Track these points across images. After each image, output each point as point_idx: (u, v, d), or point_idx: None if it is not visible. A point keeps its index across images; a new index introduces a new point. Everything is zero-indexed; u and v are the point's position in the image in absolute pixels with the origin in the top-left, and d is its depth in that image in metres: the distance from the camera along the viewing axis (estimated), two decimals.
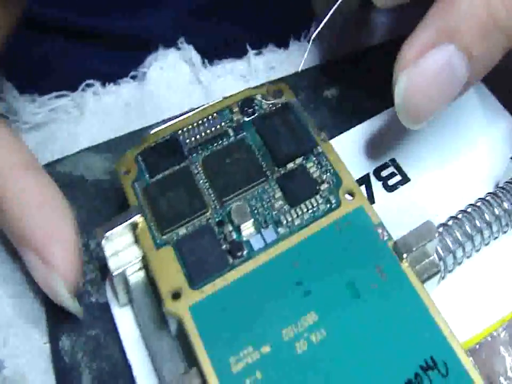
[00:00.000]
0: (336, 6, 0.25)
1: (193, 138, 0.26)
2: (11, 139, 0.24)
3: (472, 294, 0.27)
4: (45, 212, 0.22)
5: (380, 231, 0.24)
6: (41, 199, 0.22)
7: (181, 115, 0.29)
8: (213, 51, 0.36)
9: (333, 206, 0.25)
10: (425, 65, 0.22)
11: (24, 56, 0.35)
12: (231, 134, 0.26)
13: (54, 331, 0.26)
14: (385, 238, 0.24)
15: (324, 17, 0.25)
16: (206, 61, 0.35)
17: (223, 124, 0.26)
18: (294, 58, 0.35)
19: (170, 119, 0.30)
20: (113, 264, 0.24)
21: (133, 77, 0.34)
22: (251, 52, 0.35)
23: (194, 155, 0.26)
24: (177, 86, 0.34)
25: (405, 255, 0.24)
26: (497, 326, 0.26)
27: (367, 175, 0.30)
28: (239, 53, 0.36)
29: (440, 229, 0.26)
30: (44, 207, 0.22)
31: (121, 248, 0.24)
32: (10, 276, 0.27)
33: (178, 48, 0.35)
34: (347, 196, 0.25)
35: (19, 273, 0.27)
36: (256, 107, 0.27)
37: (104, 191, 0.29)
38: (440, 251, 0.26)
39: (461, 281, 0.27)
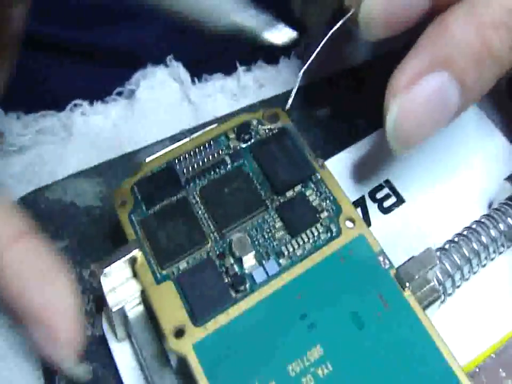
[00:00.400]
0: (326, 38, 0.24)
1: (190, 168, 0.25)
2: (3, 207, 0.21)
3: (470, 316, 0.27)
4: (45, 284, 0.20)
5: (381, 259, 0.24)
6: (40, 269, 0.20)
7: (173, 138, 0.29)
8: (202, 66, 0.35)
9: (333, 235, 0.24)
10: (417, 93, 0.21)
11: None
12: (228, 161, 0.26)
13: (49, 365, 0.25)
14: (387, 266, 0.24)
15: (314, 49, 0.25)
16: (195, 78, 0.34)
17: (219, 151, 0.25)
18: (284, 76, 0.34)
19: (161, 142, 0.30)
20: (112, 300, 0.23)
21: (119, 93, 0.33)
22: (240, 69, 0.34)
23: (191, 185, 0.25)
24: (167, 105, 0.33)
25: (407, 284, 0.23)
26: (496, 348, 0.26)
27: (362, 198, 0.30)
28: (228, 68, 0.35)
29: (438, 253, 0.26)
30: (44, 279, 0.20)
31: (119, 283, 0.23)
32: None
33: (167, 65, 0.34)
34: (347, 223, 0.25)
35: None
36: (253, 133, 0.27)
37: (96, 218, 0.28)
38: (440, 276, 0.26)
39: (459, 304, 0.27)
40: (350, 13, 0.23)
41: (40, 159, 0.31)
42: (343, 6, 0.23)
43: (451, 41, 0.21)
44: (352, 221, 0.25)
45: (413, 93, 0.21)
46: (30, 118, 0.31)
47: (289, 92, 0.33)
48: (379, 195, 0.30)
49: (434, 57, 0.21)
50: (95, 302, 0.26)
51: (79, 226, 0.28)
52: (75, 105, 0.32)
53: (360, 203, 0.29)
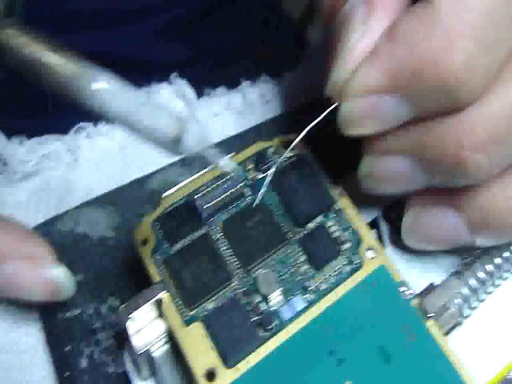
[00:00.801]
0: (309, 127, 0.24)
1: (209, 201, 0.25)
2: None
3: (484, 337, 0.27)
4: None
5: (402, 289, 0.24)
6: None
7: (183, 161, 0.28)
8: (203, 79, 0.34)
9: (356, 267, 0.24)
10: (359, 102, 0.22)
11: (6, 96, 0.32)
12: (248, 194, 0.25)
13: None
14: (409, 296, 0.24)
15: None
16: (201, 94, 0.33)
17: (238, 184, 0.25)
18: (289, 90, 0.34)
19: (172, 165, 0.29)
20: (138, 343, 0.23)
21: None
22: (245, 83, 0.33)
23: (212, 219, 0.25)
24: None
25: (430, 314, 0.24)
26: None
27: (376, 218, 0.29)
28: (231, 81, 0.34)
29: (456, 280, 0.26)
30: None
31: (145, 325, 0.23)
32: None
33: (170, 83, 0.33)
34: (368, 253, 0.25)
35: None
36: (270, 163, 0.26)
37: (111, 249, 0.27)
38: (459, 301, 0.26)
39: (473, 326, 0.27)
40: (333, 106, 0.22)
41: (46, 185, 0.30)
42: (324, 95, 0.23)
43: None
44: (373, 250, 0.25)
45: (359, 103, 0.21)
46: (34, 142, 0.30)
47: (296, 109, 0.33)
48: (392, 215, 0.30)
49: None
50: (115, 338, 0.26)
51: (93, 258, 0.27)
52: (80, 128, 0.31)
53: (374, 224, 0.29)
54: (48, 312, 0.26)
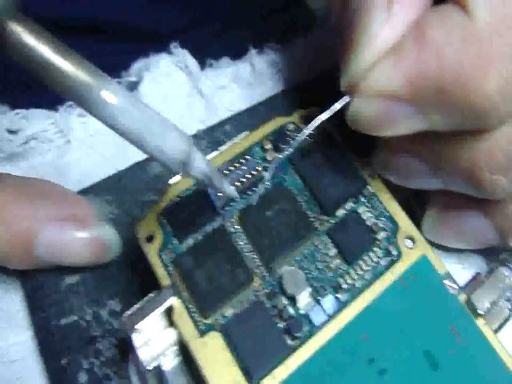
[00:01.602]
0: (319, 122, 0.20)
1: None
2: None
3: None
4: None
5: (447, 283, 0.21)
6: None
7: None
8: (204, 48, 0.30)
9: (394, 258, 0.21)
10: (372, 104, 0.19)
11: None
12: (267, 178, 0.21)
13: None
14: (455, 291, 0.21)
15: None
16: (204, 64, 0.29)
17: (256, 167, 0.21)
18: (301, 56, 0.30)
19: None
20: (145, 357, 0.19)
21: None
22: (253, 52, 0.29)
23: (227, 209, 0.21)
24: (175, 100, 0.28)
25: (481, 312, 0.20)
26: None
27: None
28: (234, 50, 0.30)
29: (505, 272, 0.22)
30: None
31: (153, 336, 0.19)
32: None
33: (170, 53, 0.28)
34: (406, 242, 0.21)
35: None
36: (291, 141, 0.22)
37: None
38: (507, 294, 0.22)
39: None
40: (345, 101, 0.19)
41: (34, 171, 0.26)
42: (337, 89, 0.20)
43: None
44: (412, 239, 0.21)
45: (372, 104, 0.19)
46: (18, 115, 0.26)
47: (311, 79, 0.29)
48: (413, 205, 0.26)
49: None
50: (118, 348, 0.22)
51: None
52: (70, 106, 0.27)
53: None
54: (40, 319, 0.22)
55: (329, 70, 0.29)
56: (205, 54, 0.30)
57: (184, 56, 0.28)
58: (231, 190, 0.20)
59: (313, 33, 0.30)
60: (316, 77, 0.29)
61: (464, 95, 0.17)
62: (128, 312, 0.19)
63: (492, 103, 0.17)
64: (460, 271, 0.24)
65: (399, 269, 0.21)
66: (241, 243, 0.20)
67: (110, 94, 0.16)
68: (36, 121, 0.26)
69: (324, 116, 0.20)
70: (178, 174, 0.19)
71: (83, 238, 0.22)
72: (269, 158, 0.22)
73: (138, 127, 0.16)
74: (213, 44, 0.31)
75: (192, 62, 0.28)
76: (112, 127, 0.16)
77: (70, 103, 0.27)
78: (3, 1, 0.15)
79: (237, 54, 0.30)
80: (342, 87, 0.19)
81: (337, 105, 0.20)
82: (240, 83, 0.29)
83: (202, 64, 0.29)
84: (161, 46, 0.29)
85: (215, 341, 0.19)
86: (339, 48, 0.20)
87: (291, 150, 0.21)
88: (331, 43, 0.30)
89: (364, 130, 0.19)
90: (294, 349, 0.19)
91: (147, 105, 0.17)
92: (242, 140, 0.22)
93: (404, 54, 0.17)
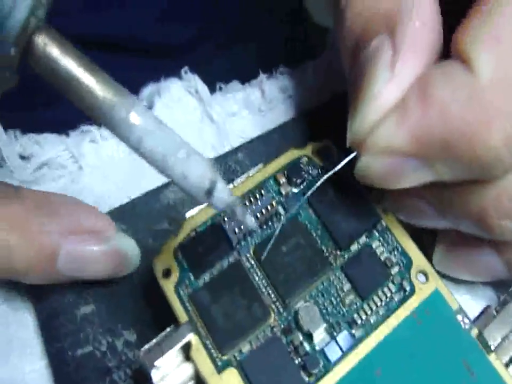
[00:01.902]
0: (326, 176, 0.21)
1: (241, 225, 0.21)
2: None
3: None
4: None
5: (460, 318, 0.21)
6: None
7: None
8: (213, 72, 0.30)
9: (407, 293, 0.21)
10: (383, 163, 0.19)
11: None
12: (282, 212, 0.22)
13: None
14: (467, 326, 0.21)
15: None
16: (213, 86, 0.29)
17: (271, 201, 0.21)
18: (312, 81, 0.30)
19: None
20: None
21: None
22: (263, 76, 0.29)
23: (243, 243, 0.21)
24: (186, 125, 0.28)
25: (493, 347, 0.20)
26: None
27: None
28: (243, 74, 0.30)
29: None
30: None
31: (170, 371, 0.19)
32: None
33: (181, 78, 0.28)
34: (419, 277, 0.21)
35: None
36: (305, 174, 0.22)
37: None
38: None
39: None
40: (352, 155, 0.20)
41: None
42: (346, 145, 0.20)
43: None
44: (425, 273, 0.21)
45: (380, 161, 0.19)
46: (31, 140, 0.26)
47: (323, 103, 0.29)
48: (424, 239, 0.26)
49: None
50: (133, 378, 0.22)
51: (105, 286, 0.23)
52: (82, 131, 0.27)
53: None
54: (56, 348, 0.22)
55: (340, 93, 0.29)
56: (213, 69, 0.30)
57: (194, 81, 0.28)
58: (252, 222, 0.19)
59: (323, 54, 0.30)
60: (327, 101, 0.29)
61: (469, 149, 0.17)
62: (146, 347, 0.19)
63: (497, 155, 0.17)
64: (469, 302, 0.24)
65: (413, 304, 0.21)
66: (257, 278, 0.20)
67: (137, 115, 0.15)
68: (49, 146, 0.26)
69: (331, 172, 0.20)
70: (200, 202, 0.18)
71: (104, 250, 0.22)
72: (283, 191, 0.22)
73: (164, 151, 0.16)
74: (221, 56, 0.31)
75: (202, 87, 0.29)
76: (137, 149, 0.16)
77: (83, 128, 0.27)
78: (31, 10, 0.14)
79: (246, 70, 0.30)
80: (348, 143, 0.20)
81: (345, 161, 0.20)
82: (251, 109, 0.29)
83: (212, 87, 0.29)
84: (170, 62, 0.29)
85: (232, 377, 0.19)
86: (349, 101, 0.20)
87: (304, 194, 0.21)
88: (341, 65, 0.30)
89: (373, 185, 0.20)
90: None
91: (173, 130, 0.17)
92: (256, 173, 0.22)
93: (408, 111, 0.18)
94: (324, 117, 0.28)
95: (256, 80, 0.30)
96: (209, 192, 0.17)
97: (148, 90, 0.29)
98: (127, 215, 0.25)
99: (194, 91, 0.29)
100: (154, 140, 0.16)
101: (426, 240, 0.24)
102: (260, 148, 0.26)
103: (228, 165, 0.26)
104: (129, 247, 0.23)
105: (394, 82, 0.18)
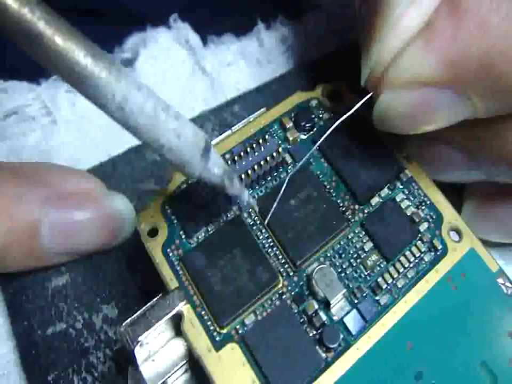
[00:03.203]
0: (342, 119, 0.17)
1: (241, 174, 0.17)
2: None
3: None
4: None
5: (501, 281, 0.17)
6: None
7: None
8: (205, 24, 0.26)
9: (439, 253, 0.17)
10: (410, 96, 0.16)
11: None
12: (289, 161, 0.18)
13: None
14: (509, 291, 0.17)
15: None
16: (208, 39, 0.25)
17: (276, 148, 0.17)
18: (313, 32, 0.26)
19: None
20: (149, 373, 0.15)
21: None
22: (261, 26, 0.25)
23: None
24: (174, 77, 0.24)
25: None
26: None
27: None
28: (237, 25, 0.26)
29: None
30: None
31: (158, 348, 0.15)
32: None
33: (169, 27, 0.25)
34: (452, 235, 0.18)
35: None
36: (315, 118, 0.18)
37: None
38: None
39: None
40: (367, 97, 0.16)
41: (15, 155, 0.22)
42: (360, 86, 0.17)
43: None
44: (458, 231, 0.18)
45: (405, 96, 0.15)
46: None
47: (324, 55, 0.26)
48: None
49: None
50: (114, 360, 0.18)
51: None
52: (56, 80, 0.22)
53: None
54: (23, 328, 0.18)
55: (342, 46, 0.26)
56: (207, 31, 0.26)
57: (185, 30, 0.25)
58: (250, 199, 0.16)
59: (324, 7, 0.27)
60: (328, 53, 0.26)
61: None
62: (129, 321, 0.15)
63: None
64: (502, 267, 0.20)
65: (446, 266, 0.17)
66: (261, 237, 0.17)
67: (119, 73, 0.12)
68: (17, 94, 0.22)
69: (346, 115, 0.17)
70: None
71: (93, 214, 0.18)
72: (290, 137, 0.18)
73: (155, 106, 0.13)
74: (215, 20, 0.28)
75: (193, 37, 0.25)
76: (121, 108, 0.13)
77: (56, 76, 0.23)
78: None
79: (242, 31, 0.26)
80: (363, 82, 0.16)
81: (360, 103, 0.16)
82: (247, 60, 0.25)
83: (204, 41, 0.25)
84: (157, 11, 0.25)
85: (233, 354, 0.15)
86: (360, 40, 0.17)
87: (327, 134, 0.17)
88: (343, 17, 0.27)
89: (396, 130, 0.16)
90: (328, 363, 0.15)
91: (160, 98, 0.13)
92: (259, 118, 0.18)
93: (437, 31, 0.14)
94: (328, 66, 0.24)
95: (252, 31, 0.26)
96: (206, 151, 0.14)
97: (131, 39, 0.25)
98: (107, 175, 0.21)
99: (185, 41, 0.25)
100: (142, 96, 0.13)
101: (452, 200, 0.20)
102: (258, 100, 0.23)
103: (224, 117, 0.22)
104: (123, 206, 0.19)
105: (418, 1, 0.15)
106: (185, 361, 0.16)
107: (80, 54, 0.12)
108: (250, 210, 0.17)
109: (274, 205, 0.16)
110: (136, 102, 0.13)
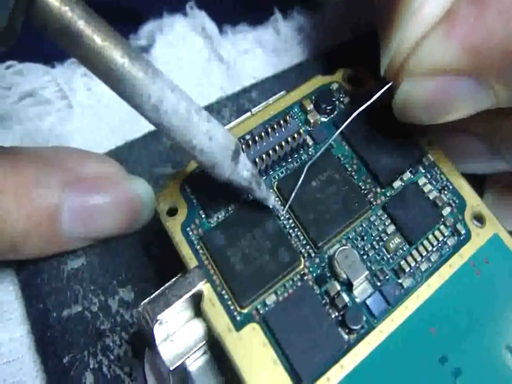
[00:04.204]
0: (360, 110, 0.17)
1: (260, 155, 0.16)
2: None
3: None
4: None
5: None
6: None
7: (207, 109, 0.20)
8: (225, 14, 0.26)
9: (462, 238, 0.17)
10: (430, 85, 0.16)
11: None
12: (310, 143, 0.18)
13: None
14: None
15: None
16: (224, 29, 0.25)
17: (298, 130, 0.17)
18: (331, 21, 0.26)
19: None
20: (168, 355, 0.15)
21: None
22: (278, 15, 0.25)
23: (265, 178, 0.17)
24: (191, 64, 0.24)
25: None
26: None
27: None
28: (253, 16, 0.26)
29: None
30: None
31: (177, 329, 0.15)
32: None
33: (185, 14, 0.24)
34: (475, 220, 0.17)
35: None
36: (336, 101, 0.18)
37: None
38: None
39: None
40: (387, 86, 0.16)
41: (31, 138, 0.22)
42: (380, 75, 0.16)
43: None
44: (481, 217, 0.17)
45: (426, 85, 0.15)
46: (10, 70, 0.22)
47: (342, 45, 0.25)
48: None
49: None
50: (131, 343, 0.18)
51: None
52: (72, 62, 0.22)
53: None
54: (38, 310, 0.18)
55: (359, 35, 0.25)
56: (223, 20, 0.26)
57: (201, 18, 0.25)
58: (276, 203, 0.16)
59: None
60: (345, 42, 0.26)
61: None
62: (148, 299, 0.15)
63: None
64: None
65: (469, 250, 0.17)
66: (282, 219, 0.16)
67: (156, 74, 0.13)
68: (32, 76, 0.22)
69: (371, 100, 0.16)
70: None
71: (114, 197, 0.18)
72: (311, 120, 0.18)
73: (188, 107, 0.13)
74: (232, 9, 0.27)
75: (210, 25, 0.25)
76: (157, 109, 0.13)
77: (73, 59, 0.22)
78: None
79: (259, 21, 0.26)
80: (383, 72, 0.16)
81: (379, 93, 0.16)
82: (264, 48, 0.25)
83: (220, 30, 0.25)
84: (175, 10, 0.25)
85: (254, 335, 0.15)
86: (378, 29, 0.17)
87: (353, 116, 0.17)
88: (360, 7, 0.27)
89: (417, 120, 0.16)
90: (351, 345, 0.15)
91: (192, 99, 0.14)
92: (278, 101, 0.18)
93: (458, 19, 0.14)
94: (344, 56, 0.24)
95: (269, 20, 0.26)
96: (237, 154, 0.14)
97: (148, 27, 0.24)
98: (123, 159, 0.21)
99: (201, 29, 0.25)
100: (176, 97, 0.13)
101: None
102: (276, 87, 0.23)
103: (241, 103, 0.22)
104: (143, 190, 0.19)
105: None
106: (204, 342, 0.15)
107: (118, 54, 0.12)
108: (271, 192, 0.17)
109: (296, 189, 0.16)
110: (170, 103, 0.13)
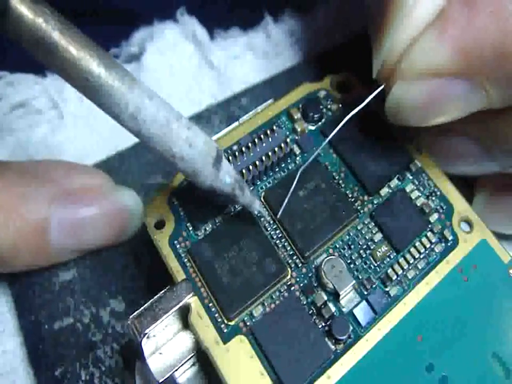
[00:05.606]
0: (353, 112, 0.16)
1: (247, 165, 0.17)
2: None
3: None
4: None
5: None
6: None
7: (199, 117, 0.20)
8: (216, 19, 0.26)
9: (449, 244, 0.17)
10: (423, 88, 0.16)
11: None
12: (297, 152, 0.18)
13: None
14: None
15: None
16: (214, 33, 0.25)
17: (285, 139, 0.17)
18: (320, 26, 0.26)
19: None
20: (156, 366, 0.15)
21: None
22: (268, 19, 0.25)
23: (252, 189, 0.17)
24: (181, 72, 0.24)
25: None
26: None
27: None
28: (244, 19, 0.26)
29: None
30: None
31: (165, 341, 0.15)
32: None
33: (176, 21, 0.25)
34: (463, 226, 0.17)
35: None
36: (323, 109, 0.18)
37: None
38: None
39: None
40: (379, 89, 0.16)
41: (22, 149, 0.22)
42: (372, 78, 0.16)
43: None
44: (469, 222, 0.17)
45: (419, 87, 0.15)
46: (1, 81, 0.22)
47: (333, 48, 0.25)
48: None
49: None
50: (122, 355, 0.18)
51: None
52: None
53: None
54: (30, 323, 0.18)
55: (351, 38, 0.25)
56: (214, 25, 0.26)
57: (192, 24, 0.25)
58: (261, 208, 0.16)
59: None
60: (336, 45, 0.26)
61: None
62: (136, 314, 0.15)
63: None
64: None
65: (457, 256, 0.17)
66: (269, 228, 0.16)
67: (134, 83, 0.13)
68: (23, 87, 0.22)
69: (359, 107, 0.16)
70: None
71: (102, 209, 0.18)
72: (298, 128, 0.18)
73: (167, 116, 0.13)
74: (223, 14, 0.27)
75: (201, 31, 0.25)
76: (134, 118, 0.13)
77: None
78: None
79: (250, 25, 0.26)
80: (375, 74, 0.16)
81: (371, 96, 0.16)
82: (255, 52, 0.25)
83: (211, 35, 0.25)
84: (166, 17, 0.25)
85: (241, 347, 0.15)
86: (370, 31, 0.17)
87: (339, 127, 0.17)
88: (352, 10, 0.26)
89: (410, 122, 0.16)
90: (338, 355, 0.15)
91: (172, 107, 0.14)
92: (266, 109, 0.18)
93: (450, 21, 0.14)
94: (336, 59, 0.24)
95: (260, 25, 0.26)
96: (218, 160, 0.14)
97: (138, 34, 0.24)
98: (114, 169, 0.21)
99: (192, 35, 0.25)
100: (155, 105, 0.13)
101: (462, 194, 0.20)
102: (266, 93, 0.23)
103: (231, 111, 0.22)
104: (130, 200, 0.19)
105: None
106: (192, 354, 0.16)
107: (93, 64, 0.12)
108: (257, 202, 0.17)
109: (285, 201, 0.16)
110: (148, 111, 0.13)
